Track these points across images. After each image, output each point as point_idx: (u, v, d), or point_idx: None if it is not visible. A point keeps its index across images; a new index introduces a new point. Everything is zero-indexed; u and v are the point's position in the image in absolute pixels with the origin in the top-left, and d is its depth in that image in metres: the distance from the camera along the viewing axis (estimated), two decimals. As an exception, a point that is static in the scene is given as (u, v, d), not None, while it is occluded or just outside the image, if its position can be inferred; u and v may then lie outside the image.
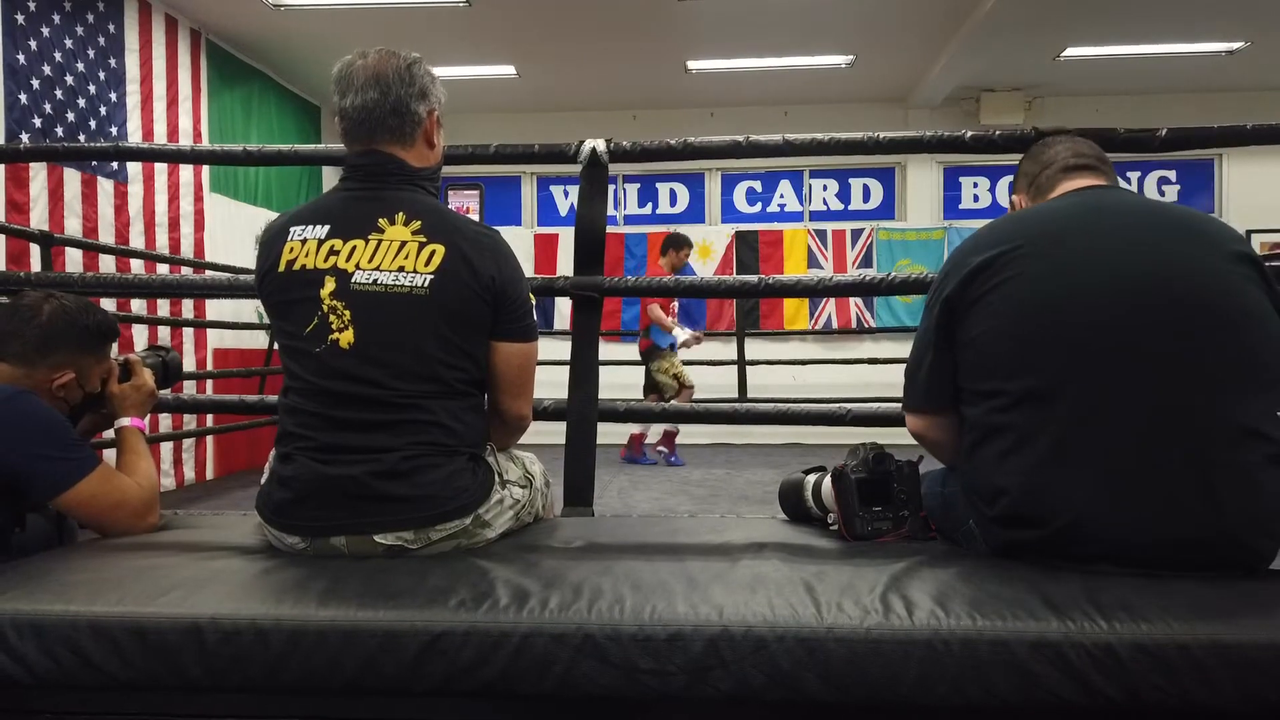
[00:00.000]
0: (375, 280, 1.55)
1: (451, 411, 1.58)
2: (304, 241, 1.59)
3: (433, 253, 1.57)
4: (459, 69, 7.28)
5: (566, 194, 8.77)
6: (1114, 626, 1.17)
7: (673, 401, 6.51)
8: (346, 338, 1.55)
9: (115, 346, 1.92)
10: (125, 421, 1.87)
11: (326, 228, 1.60)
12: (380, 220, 1.59)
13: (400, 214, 1.60)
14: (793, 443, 8.15)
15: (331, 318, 1.56)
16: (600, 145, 2.20)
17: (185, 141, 6.03)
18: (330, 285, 1.56)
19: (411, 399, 1.55)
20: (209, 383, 5.92)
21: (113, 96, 5.33)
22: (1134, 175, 8.21)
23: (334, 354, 1.55)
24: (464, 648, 1.21)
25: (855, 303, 8.34)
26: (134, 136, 5.51)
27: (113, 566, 1.43)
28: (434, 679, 1.22)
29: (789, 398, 7.83)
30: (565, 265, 8.45)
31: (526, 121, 8.50)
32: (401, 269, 1.56)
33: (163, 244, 5.74)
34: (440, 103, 1.71)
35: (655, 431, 6.72)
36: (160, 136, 5.77)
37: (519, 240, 8.50)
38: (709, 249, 8.52)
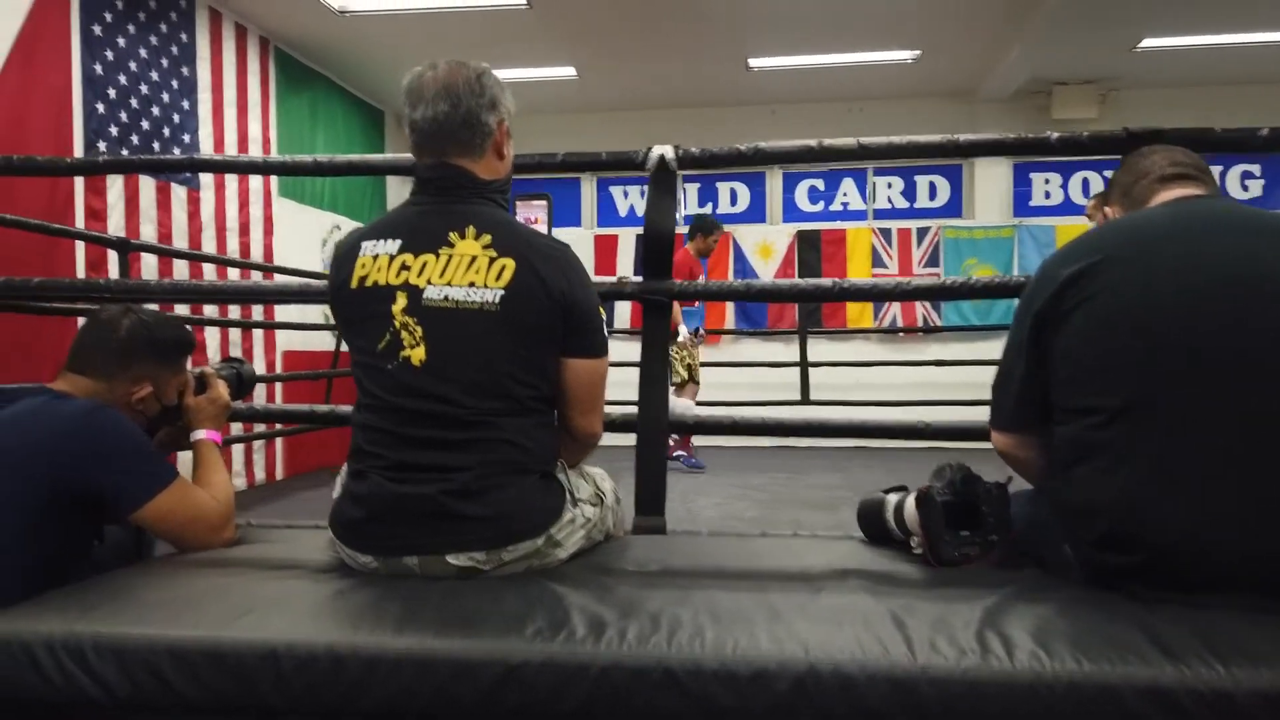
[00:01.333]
0: (446, 296, 1.53)
1: (523, 429, 1.56)
2: (375, 257, 1.58)
3: (503, 267, 1.54)
4: (519, 70, 7.30)
5: (626, 195, 8.74)
6: (1232, 673, 1.10)
7: (682, 398, 6.37)
8: (418, 354, 1.53)
9: (190, 359, 1.93)
10: (201, 434, 1.88)
11: (398, 243, 1.58)
12: (451, 234, 1.57)
13: (471, 228, 1.57)
14: (858, 446, 8.00)
15: (403, 334, 1.54)
16: (669, 152, 2.15)
17: (255, 148, 6.15)
18: (402, 301, 1.55)
19: (483, 416, 1.52)
20: (278, 386, 6.02)
21: (185, 104, 5.45)
22: (1215, 169, 7.87)
23: (406, 371, 1.53)
24: (541, 678, 1.18)
25: (922, 302, 8.16)
26: (205, 144, 5.62)
27: (190, 586, 1.43)
28: (510, 708, 1.19)
29: (852, 400, 7.70)
30: (625, 266, 8.43)
31: (587, 121, 8.50)
32: (472, 284, 1.53)
33: (233, 248, 5.86)
34: (510, 113, 1.69)
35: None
36: (231, 143, 5.89)
37: (580, 241, 8.50)
38: (770, 249, 8.42)
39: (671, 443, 6.55)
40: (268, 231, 6.23)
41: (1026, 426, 1.57)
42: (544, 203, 2.09)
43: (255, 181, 6.14)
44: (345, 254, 1.63)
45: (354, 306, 1.59)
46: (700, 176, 8.64)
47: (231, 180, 5.85)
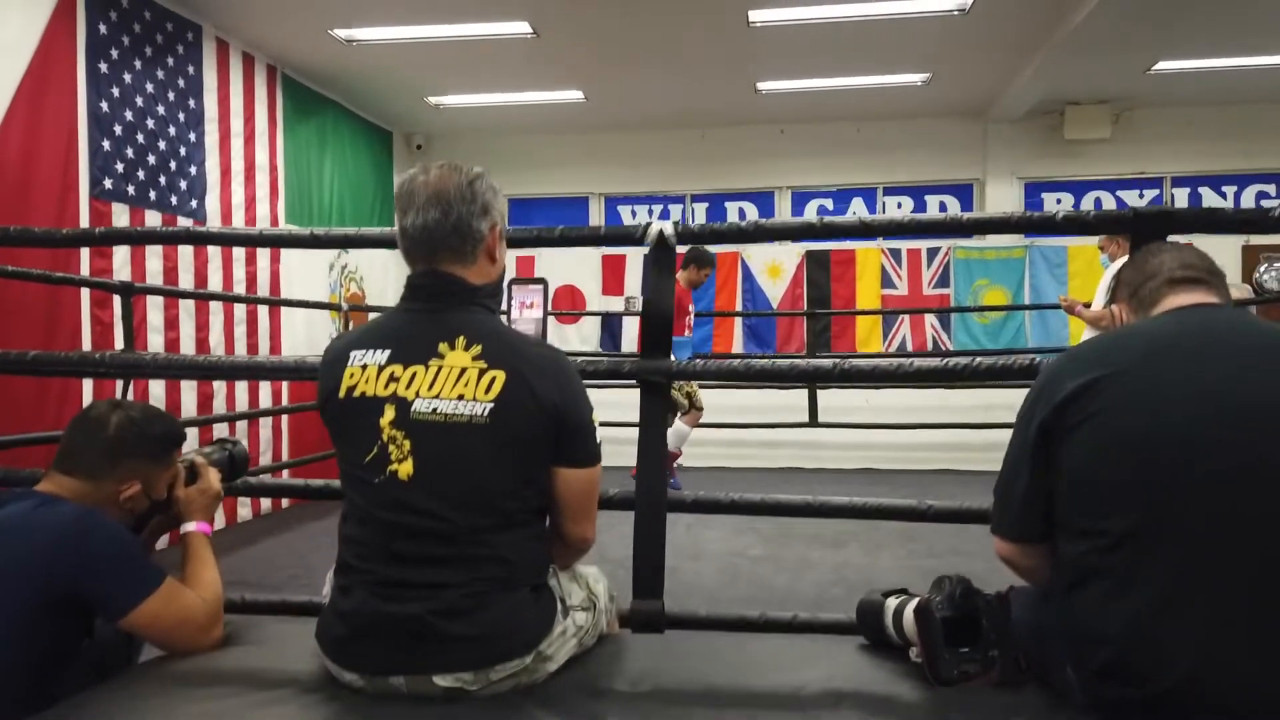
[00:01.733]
0: (435, 409, 1.51)
1: (513, 543, 1.53)
2: (364, 367, 1.56)
3: (493, 379, 1.52)
4: (525, 94, 7.29)
5: (634, 214, 8.71)
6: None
7: (678, 423, 6.33)
8: (406, 469, 1.51)
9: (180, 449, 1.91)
10: (191, 526, 1.85)
11: (386, 353, 1.56)
12: (440, 345, 1.55)
13: (461, 338, 1.55)
14: (866, 468, 7.96)
15: (391, 447, 1.52)
16: (668, 228, 2.12)
17: (262, 175, 6.17)
18: (390, 414, 1.52)
19: (472, 532, 1.50)
20: (284, 419, 6.01)
21: (192, 136, 5.45)
22: (1230, 189, 7.79)
23: (393, 485, 1.51)
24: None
25: (931, 323, 8.10)
26: (212, 174, 5.63)
27: (172, 712, 1.41)
28: None
29: (860, 422, 7.65)
30: (633, 284, 8.40)
31: (596, 142, 8.48)
32: (461, 397, 1.51)
33: (240, 277, 5.86)
34: (503, 216, 1.66)
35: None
36: (238, 173, 5.89)
37: (587, 261, 8.48)
38: (779, 269, 8.37)
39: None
40: (275, 259, 6.23)
41: (1031, 537, 1.53)
42: (540, 288, 2.06)
43: (262, 209, 6.16)
44: (334, 361, 1.61)
45: (342, 417, 1.57)
46: (709, 195, 8.61)
47: (239, 210, 5.86)
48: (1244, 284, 7.26)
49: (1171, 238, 1.89)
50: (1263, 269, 7.48)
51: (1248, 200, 7.88)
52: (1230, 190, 7.80)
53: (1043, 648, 1.54)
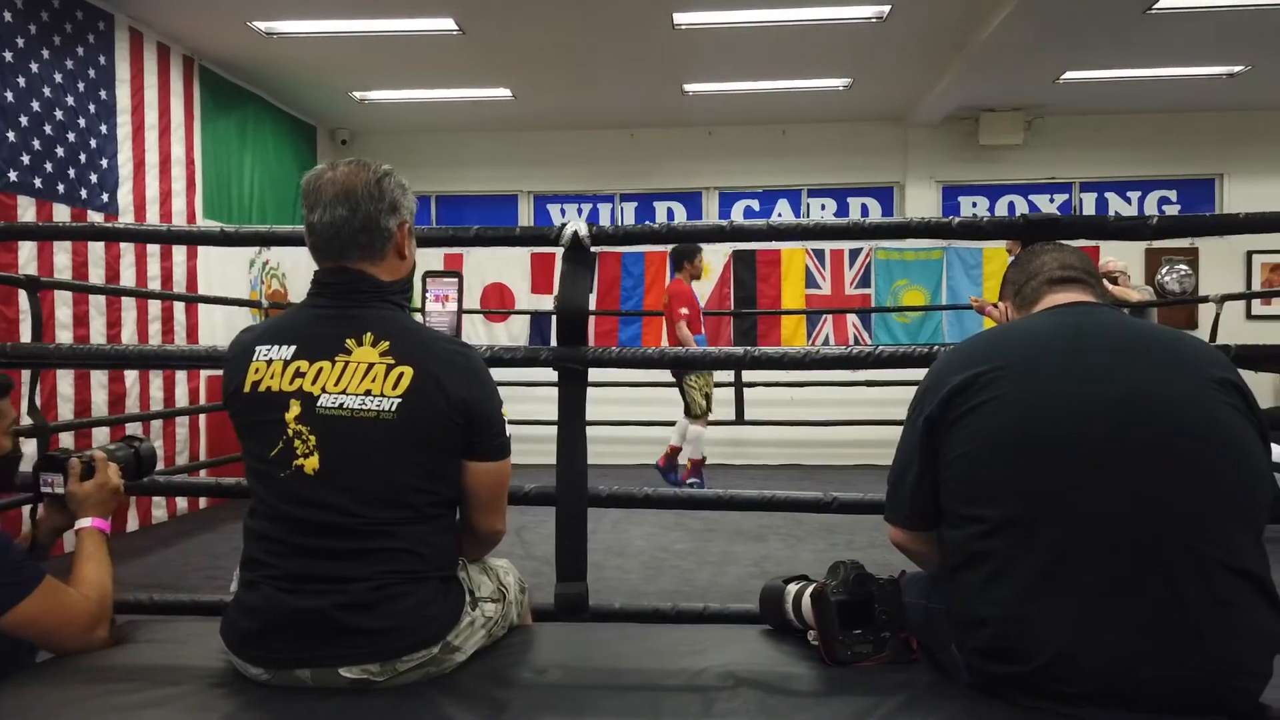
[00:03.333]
0: (341, 404, 1.52)
1: (421, 536, 1.55)
2: (269, 362, 1.56)
3: (401, 375, 1.53)
4: (453, 91, 7.24)
5: (563, 212, 8.73)
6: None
7: (692, 428, 6.33)
8: (311, 464, 1.51)
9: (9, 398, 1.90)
10: (86, 523, 1.82)
11: (293, 348, 1.56)
12: (348, 341, 1.56)
13: (368, 334, 1.56)
14: (791, 464, 8.12)
15: (297, 442, 1.52)
16: (582, 229, 2.16)
17: (178, 169, 6.02)
18: (295, 409, 1.53)
19: (379, 526, 1.51)
20: (202, 417, 5.88)
21: (104, 128, 5.30)
22: (1134, 195, 8.15)
23: (299, 480, 1.51)
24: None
25: (853, 322, 8.30)
26: (125, 168, 5.47)
27: (71, 709, 1.39)
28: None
29: (785, 420, 7.81)
30: (562, 284, 8.39)
31: (524, 140, 8.47)
32: (369, 392, 1.52)
33: (154, 273, 5.70)
34: (412, 213, 1.67)
35: (683, 454, 6.47)
36: (152, 166, 5.74)
37: (516, 260, 8.47)
38: (707, 268, 8.42)
39: (687, 464, 6.45)
40: (191, 254, 6.08)
41: (921, 524, 1.59)
42: (455, 281, 2.06)
43: (179, 203, 6.00)
44: (239, 357, 1.60)
45: (247, 411, 1.57)
46: (638, 195, 8.67)
47: (153, 204, 5.71)
48: (1146, 286, 7.60)
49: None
50: (1164, 271, 7.84)
51: (1150, 205, 8.25)
52: (1135, 195, 8.16)
53: (931, 628, 1.62)
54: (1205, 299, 5.68)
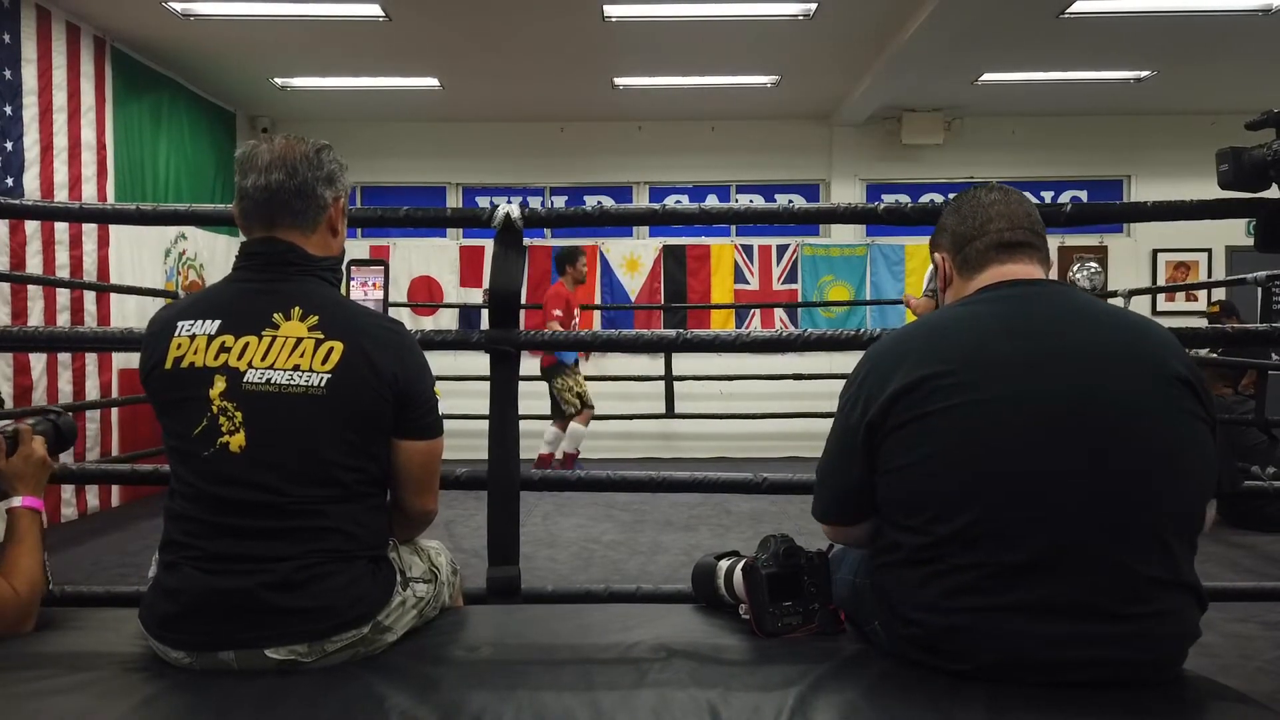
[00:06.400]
0: (269, 380, 1.49)
1: (350, 514, 1.52)
2: (193, 338, 1.52)
3: (330, 350, 1.50)
4: (379, 80, 7.12)
5: (493, 203, 8.62)
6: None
7: (572, 425, 6.50)
8: (237, 441, 1.48)
9: None
10: (16, 501, 1.75)
11: (217, 323, 1.52)
12: (275, 315, 1.52)
13: (297, 308, 1.53)
14: (719, 457, 8.20)
15: (221, 419, 1.48)
16: (514, 211, 2.16)
17: (89, 154, 5.77)
18: (220, 385, 1.49)
19: (307, 504, 1.48)
20: (114, 411, 5.66)
21: (8, 110, 5.06)
22: (1048, 194, 8.44)
23: (223, 458, 1.47)
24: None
25: (781, 317, 8.44)
26: (30, 151, 5.23)
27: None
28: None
29: (715, 413, 7.90)
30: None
31: (452, 131, 8.37)
32: (297, 367, 1.49)
33: (63, 261, 5.46)
34: (346, 192, 1.65)
35: (559, 449, 6.67)
36: (60, 149, 5.50)
37: (445, 253, 8.37)
38: (637, 262, 8.51)
39: (558, 454, 6.60)
40: (102, 243, 5.84)
41: (858, 521, 1.56)
42: (380, 269, 2.03)
43: (89, 188, 5.76)
44: (159, 333, 1.56)
45: (168, 389, 1.52)
46: (569, 189, 8.65)
47: (61, 189, 5.47)
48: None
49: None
50: (1075, 268, 8.14)
51: (1062, 197, 8.55)
52: (1048, 195, 8.44)
53: (857, 602, 1.64)
54: (1114, 294, 5.92)
